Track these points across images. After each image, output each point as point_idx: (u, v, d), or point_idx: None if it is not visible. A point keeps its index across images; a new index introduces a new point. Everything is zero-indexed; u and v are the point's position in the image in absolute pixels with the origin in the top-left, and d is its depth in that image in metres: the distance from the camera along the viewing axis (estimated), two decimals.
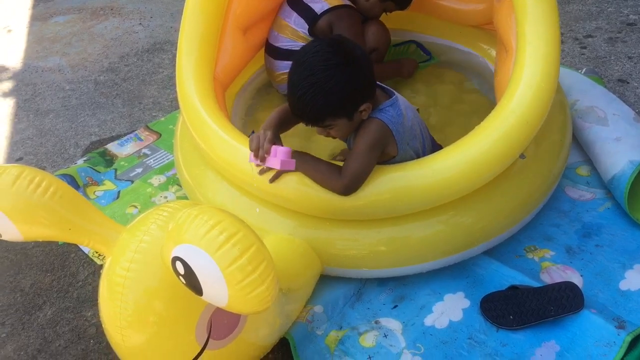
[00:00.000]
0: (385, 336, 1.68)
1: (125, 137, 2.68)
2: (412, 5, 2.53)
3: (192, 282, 1.16)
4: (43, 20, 4.02)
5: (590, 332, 1.61)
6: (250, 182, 1.73)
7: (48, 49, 3.65)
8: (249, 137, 1.75)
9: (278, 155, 1.52)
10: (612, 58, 2.91)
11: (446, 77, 2.63)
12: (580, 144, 2.23)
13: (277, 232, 1.76)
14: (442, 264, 1.79)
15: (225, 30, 2.24)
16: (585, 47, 3.02)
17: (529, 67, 1.72)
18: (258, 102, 2.60)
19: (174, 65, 2.11)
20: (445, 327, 1.69)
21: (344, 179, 1.59)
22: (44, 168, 2.58)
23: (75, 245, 2.08)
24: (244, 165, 1.67)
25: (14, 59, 3.57)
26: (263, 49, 2.57)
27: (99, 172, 2.46)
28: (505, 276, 1.79)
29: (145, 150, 2.58)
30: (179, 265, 1.16)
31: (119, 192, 2.35)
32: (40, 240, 1.42)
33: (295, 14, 2.42)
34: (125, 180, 2.41)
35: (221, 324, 1.40)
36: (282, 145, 1.57)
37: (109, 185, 2.39)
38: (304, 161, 1.62)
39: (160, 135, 2.67)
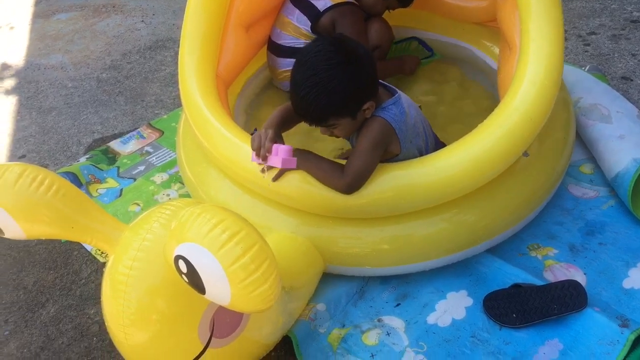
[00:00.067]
0: (388, 334, 1.68)
1: (127, 135, 2.68)
2: (415, 3, 2.53)
3: (194, 280, 1.16)
4: (45, 18, 4.01)
5: (593, 331, 1.60)
6: (252, 179, 1.73)
7: (50, 46, 3.65)
8: (251, 135, 1.75)
9: (279, 154, 1.52)
10: (616, 55, 2.90)
11: (449, 74, 2.62)
12: (583, 142, 2.22)
13: (280, 230, 1.76)
14: (445, 262, 1.79)
15: (228, 28, 2.24)
16: (588, 44, 3.01)
17: (532, 65, 1.72)
18: (260, 99, 2.60)
19: (177, 63, 2.11)
20: (448, 326, 1.68)
21: (347, 177, 1.58)
22: (46, 166, 2.58)
23: (78, 243, 2.08)
24: (247, 163, 1.67)
25: (17, 56, 3.57)
26: (265, 46, 2.57)
27: (102, 170, 2.46)
28: (508, 274, 1.79)
29: (148, 148, 2.58)
30: (181, 263, 1.16)
31: (121, 189, 2.35)
32: (43, 238, 1.42)
33: (297, 11, 2.42)
34: (128, 178, 2.41)
35: (224, 323, 1.40)
36: (284, 144, 1.57)
37: (111, 183, 2.39)
38: (305, 159, 1.61)
39: (163, 132, 2.67)
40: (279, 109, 1.70)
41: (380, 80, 1.67)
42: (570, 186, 2.11)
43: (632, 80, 2.71)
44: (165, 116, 2.81)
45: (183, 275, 1.19)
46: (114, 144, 2.63)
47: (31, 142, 2.76)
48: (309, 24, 2.40)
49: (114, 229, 1.42)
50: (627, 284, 1.75)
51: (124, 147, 2.60)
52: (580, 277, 1.77)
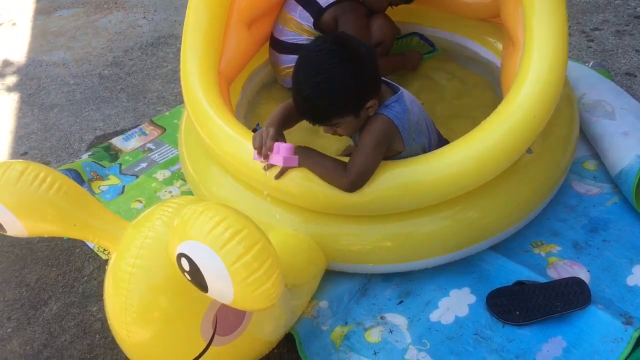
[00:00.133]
0: (391, 332, 1.67)
1: (129, 132, 2.68)
2: None
3: (197, 278, 1.16)
4: (47, 14, 4.01)
5: (597, 328, 1.60)
6: (254, 177, 1.73)
7: (52, 42, 3.64)
8: (252, 130, 1.75)
9: (281, 152, 1.52)
10: (620, 51, 2.89)
11: (452, 71, 2.62)
12: (587, 138, 2.21)
13: (282, 227, 1.75)
14: (448, 259, 1.78)
15: (230, 24, 2.23)
16: (592, 40, 3.00)
17: (536, 61, 1.71)
18: (262, 96, 2.59)
19: (179, 59, 2.10)
20: (451, 323, 1.68)
21: (350, 175, 1.58)
22: (48, 163, 2.58)
23: (80, 240, 2.08)
24: (249, 160, 1.66)
25: (18, 53, 3.56)
26: (267, 42, 2.56)
27: (104, 167, 2.45)
28: (511, 271, 1.78)
29: (150, 145, 2.58)
30: (184, 261, 1.16)
31: (123, 186, 2.35)
32: (45, 235, 1.42)
33: (300, 8, 2.41)
34: (130, 175, 2.41)
35: (226, 320, 1.40)
36: (285, 142, 1.56)
37: (113, 180, 2.39)
38: (307, 157, 1.61)
39: (165, 129, 2.67)
40: (280, 107, 1.69)
41: (382, 78, 1.66)
42: (573, 183, 2.10)
43: (636, 76, 2.69)
44: (167, 113, 2.81)
45: (185, 274, 1.18)
46: (116, 141, 2.62)
47: (33, 139, 2.76)
48: (312, 20, 2.39)
49: (116, 226, 1.42)
50: (631, 281, 1.74)
51: (126, 144, 2.60)
52: (583, 275, 1.76)
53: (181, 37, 2.10)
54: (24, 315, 1.89)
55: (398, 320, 1.71)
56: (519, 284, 1.72)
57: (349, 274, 1.81)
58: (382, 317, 1.72)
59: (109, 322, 1.42)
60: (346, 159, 1.63)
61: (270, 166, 1.62)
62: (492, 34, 2.51)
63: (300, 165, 1.59)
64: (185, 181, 2.27)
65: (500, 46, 2.39)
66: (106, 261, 1.95)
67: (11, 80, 3.28)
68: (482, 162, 1.63)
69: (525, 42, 1.77)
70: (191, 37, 2.07)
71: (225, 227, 1.12)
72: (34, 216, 1.34)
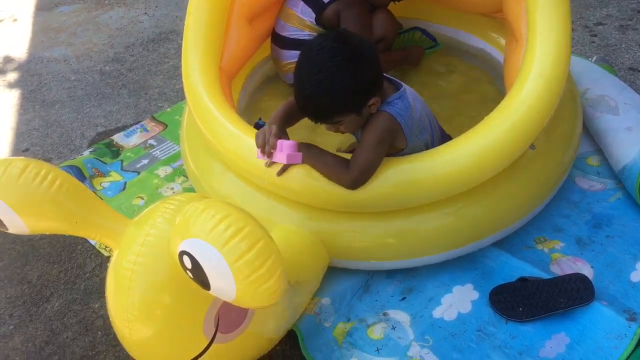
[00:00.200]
0: (394, 328, 1.67)
1: (131, 128, 2.67)
2: None
3: (199, 276, 1.16)
4: (48, 10, 4.00)
5: (600, 324, 1.60)
6: (256, 173, 1.72)
7: (53, 39, 3.64)
8: (254, 125, 1.74)
9: (284, 150, 1.51)
10: (623, 46, 2.87)
11: (454, 66, 2.60)
12: (590, 134, 2.21)
13: (285, 224, 1.75)
14: (450, 255, 1.78)
15: (231, 20, 2.22)
16: (595, 35, 2.98)
17: (539, 57, 1.70)
18: (264, 91, 2.58)
19: (180, 55, 2.09)
20: (454, 319, 1.68)
21: (352, 172, 1.57)
22: (50, 159, 2.57)
23: (82, 237, 2.08)
24: (250, 157, 1.66)
25: (19, 49, 3.56)
26: (269, 38, 2.55)
27: (105, 163, 2.45)
28: (514, 268, 1.78)
29: (152, 141, 2.57)
30: (186, 259, 1.15)
31: (125, 183, 2.34)
32: (47, 233, 1.41)
33: (302, 3, 2.40)
34: (132, 172, 2.40)
35: (229, 318, 1.39)
36: (288, 139, 1.56)
37: (115, 176, 2.39)
38: (310, 154, 1.60)
39: (166, 126, 2.66)
40: (283, 105, 1.68)
41: (385, 74, 1.66)
42: (577, 179, 2.09)
43: (639, 71, 2.68)
44: (168, 109, 2.80)
45: (187, 271, 1.18)
46: (118, 137, 2.62)
47: (34, 136, 2.75)
48: (314, 15, 2.38)
49: (118, 223, 1.41)
50: (634, 277, 1.74)
51: (128, 141, 2.59)
52: (587, 271, 1.76)
53: (182, 33, 2.09)
54: (26, 312, 1.89)
55: (401, 316, 1.71)
56: (522, 280, 1.72)
57: (351, 270, 1.81)
58: (384, 314, 1.72)
59: (110, 319, 1.42)
60: (349, 156, 1.62)
61: (272, 163, 1.61)
62: (495, 29, 2.50)
63: (303, 162, 1.58)
64: (187, 177, 2.27)
65: (503, 41, 2.38)
66: (108, 258, 1.95)
67: (12, 76, 3.28)
68: (485, 159, 1.62)
69: (528, 37, 1.76)
70: (192, 33, 2.06)
71: (227, 225, 1.12)
72: (35, 214, 1.34)
